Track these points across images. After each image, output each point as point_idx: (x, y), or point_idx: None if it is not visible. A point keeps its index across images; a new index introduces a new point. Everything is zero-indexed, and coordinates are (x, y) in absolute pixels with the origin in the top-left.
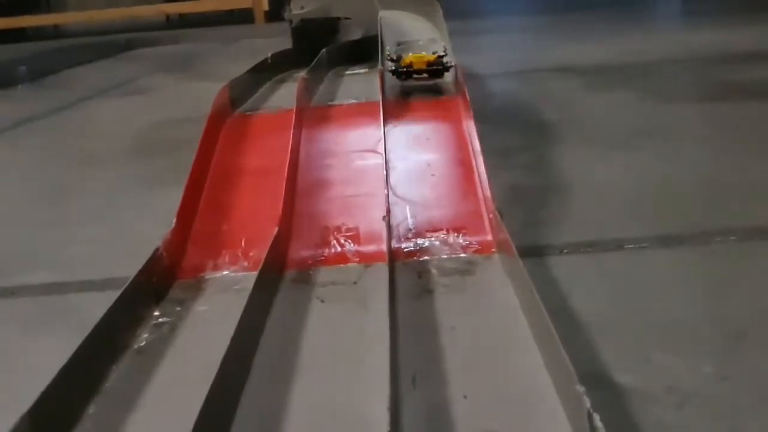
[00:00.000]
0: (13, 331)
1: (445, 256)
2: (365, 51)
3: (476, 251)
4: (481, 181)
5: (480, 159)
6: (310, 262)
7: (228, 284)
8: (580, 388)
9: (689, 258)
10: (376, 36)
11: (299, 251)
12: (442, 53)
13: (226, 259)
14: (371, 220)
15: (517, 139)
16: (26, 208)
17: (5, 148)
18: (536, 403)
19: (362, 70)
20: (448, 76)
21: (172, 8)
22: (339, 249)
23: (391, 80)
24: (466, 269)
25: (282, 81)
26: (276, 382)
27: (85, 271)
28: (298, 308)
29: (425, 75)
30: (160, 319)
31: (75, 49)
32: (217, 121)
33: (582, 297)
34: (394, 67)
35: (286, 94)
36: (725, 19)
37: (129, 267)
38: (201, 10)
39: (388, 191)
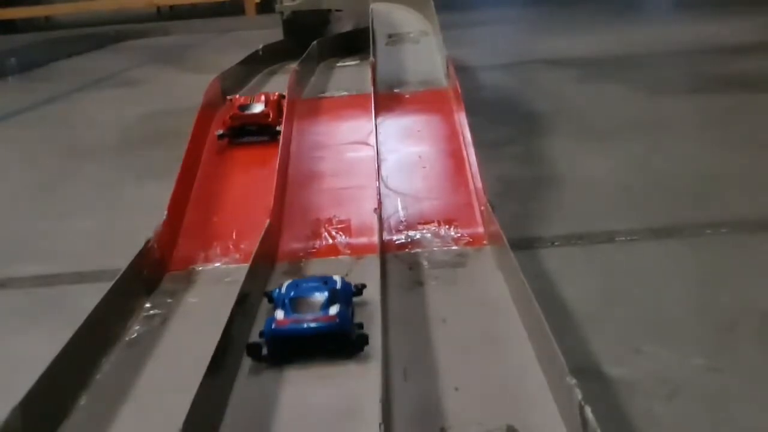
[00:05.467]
0: (3, 323)
1: (437, 249)
2: (356, 43)
3: (467, 243)
4: (472, 173)
5: (471, 151)
6: (301, 254)
7: (219, 276)
8: (572, 380)
9: (680, 250)
10: (367, 28)
11: (290, 243)
12: None
13: (217, 251)
14: (362, 213)
15: (508, 131)
16: (16, 199)
17: None
18: (528, 395)
19: (353, 62)
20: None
21: (163, 0)
22: (330, 241)
23: (383, 73)
24: (457, 261)
25: (273, 73)
26: (267, 374)
27: (75, 263)
28: None
29: None
30: (151, 311)
31: (65, 40)
32: (208, 112)
33: (573, 289)
34: None
35: (277, 86)
36: (715, 11)
37: (120, 259)
38: (191, 1)
39: (379, 183)
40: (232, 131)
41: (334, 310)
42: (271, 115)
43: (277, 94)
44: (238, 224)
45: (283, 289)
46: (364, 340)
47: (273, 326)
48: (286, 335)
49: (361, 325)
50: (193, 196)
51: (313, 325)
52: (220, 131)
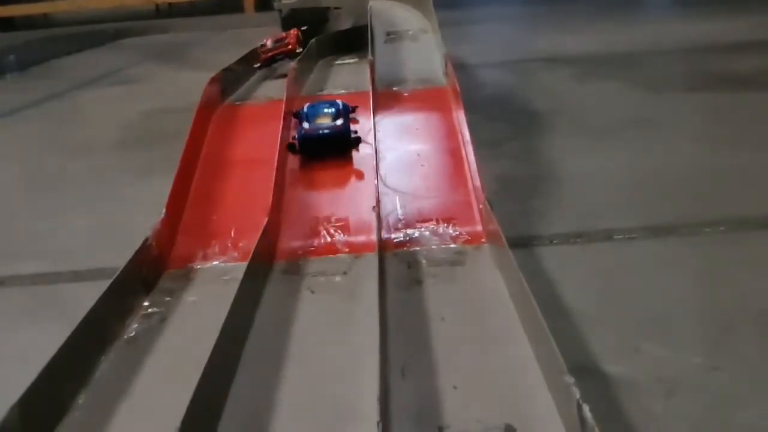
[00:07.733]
0: (1, 321)
1: (435, 247)
2: (355, 41)
3: (466, 241)
4: (471, 171)
5: (470, 149)
6: (299, 252)
7: (217, 274)
8: (570, 379)
9: (678, 248)
10: (366, 26)
11: (289, 241)
12: None
13: (216, 249)
14: (361, 211)
15: (507, 129)
16: (15, 197)
17: None
18: (526, 394)
19: (352, 60)
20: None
21: None
22: (329, 239)
23: (382, 71)
24: (455, 259)
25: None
26: (266, 373)
27: (74, 261)
28: (287, 299)
29: None
30: (149, 310)
31: (64, 38)
32: (206, 110)
33: (571, 287)
34: None
35: (275, 84)
36: (714, 9)
37: (119, 257)
38: None
39: (378, 181)
40: (264, 63)
41: (339, 121)
42: (291, 45)
43: (296, 30)
44: (236, 222)
45: (305, 109)
46: (358, 140)
47: (302, 132)
48: (311, 135)
49: (356, 131)
50: (192, 193)
51: (326, 130)
52: (258, 64)
